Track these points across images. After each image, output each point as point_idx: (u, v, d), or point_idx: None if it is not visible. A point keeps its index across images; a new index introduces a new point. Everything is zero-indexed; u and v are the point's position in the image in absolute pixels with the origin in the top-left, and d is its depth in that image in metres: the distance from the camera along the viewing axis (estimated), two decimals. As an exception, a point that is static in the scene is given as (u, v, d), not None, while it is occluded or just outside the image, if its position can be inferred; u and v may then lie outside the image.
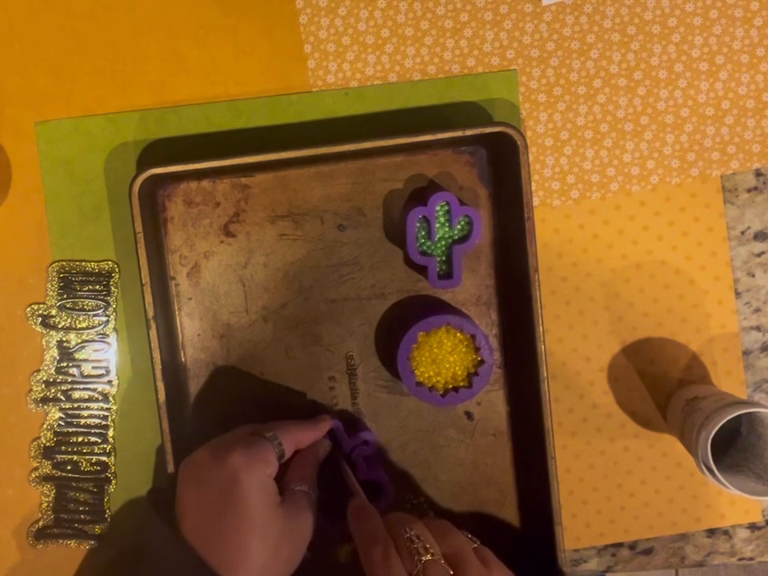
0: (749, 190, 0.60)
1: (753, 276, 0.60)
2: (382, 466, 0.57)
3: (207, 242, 0.58)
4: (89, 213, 0.59)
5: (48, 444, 0.59)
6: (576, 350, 0.60)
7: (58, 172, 0.58)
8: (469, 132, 0.53)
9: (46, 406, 0.59)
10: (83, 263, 0.59)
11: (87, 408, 0.59)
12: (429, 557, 0.44)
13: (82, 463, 0.59)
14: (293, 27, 0.58)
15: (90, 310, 0.59)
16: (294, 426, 0.52)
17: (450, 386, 0.55)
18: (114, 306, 0.59)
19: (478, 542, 0.48)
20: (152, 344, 0.54)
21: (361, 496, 0.51)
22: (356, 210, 0.58)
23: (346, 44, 0.58)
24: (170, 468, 0.54)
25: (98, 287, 0.59)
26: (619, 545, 0.61)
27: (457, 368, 0.55)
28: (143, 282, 0.53)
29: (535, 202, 0.59)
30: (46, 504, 0.59)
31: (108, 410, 0.59)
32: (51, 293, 0.58)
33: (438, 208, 0.55)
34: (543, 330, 0.54)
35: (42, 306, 0.59)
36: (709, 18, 0.58)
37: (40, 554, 0.60)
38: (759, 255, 0.60)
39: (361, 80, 0.59)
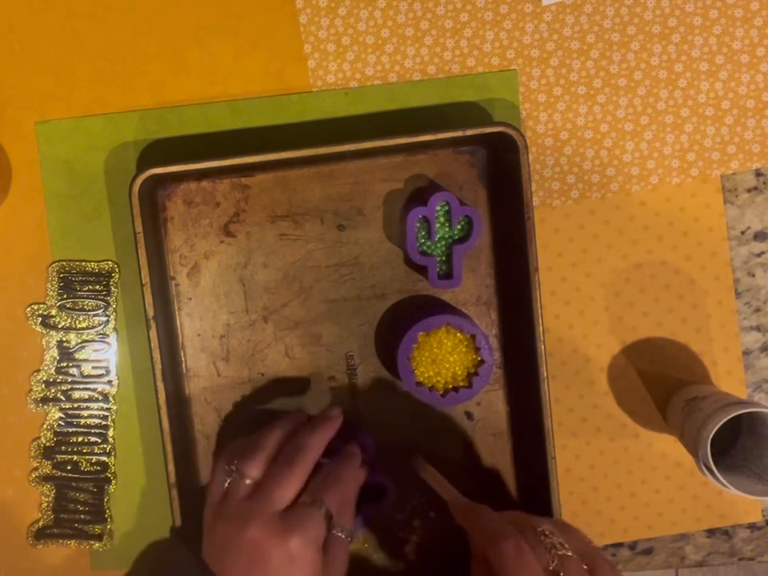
0: (749, 190, 0.60)
1: (753, 276, 0.60)
2: (382, 469, 0.57)
3: (207, 241, 0.58)
4: (89, 213, 0.59)
5: (48, 444, 0.59)
6: (576, 350, 0.60)
7: (58, 172, 0.58)
8: (469, 132, 0.53)
9: (45, 406, 0.59)
10: (83, 263, 0.59)
11: (87, 408, 0.59)
12: (564, 551, 0.44)
13: (81, 463, 0.59)
14: (293, 27, 0.58)
15: (90, 310, 0.59)
16: (336, 482, 0.50)
17: (450, 386, 0.55)
18: (114, 306, 0.59)
19: (593, 542, 0.48)
20: (152, 344, 0.54)
21: (459, 495, 0.51)
22: (356, 209, 0.58)
23: (346, 44, 0.58)
24: (171, 478, 0.54)
25: (98, 287, 0.59)
26: (619, 545, 0.61)
27: (457, 368, 0.55)
28: (143, 282, 0.53)
29: (535, 202, 0.59)
30: (46, 504, 0.59)
31: (108, 409, 0.59)
32: (51, 293, 0.58)
33: (438, 208, 0.55)
34: (543, 330, 0.54)
35: (41, 306, 0.59)
36: (709, 18, 0.58)
37: (40, 554, 0.60)
38: (759, 255, 0.60)
39: (361, 80, 0.59)
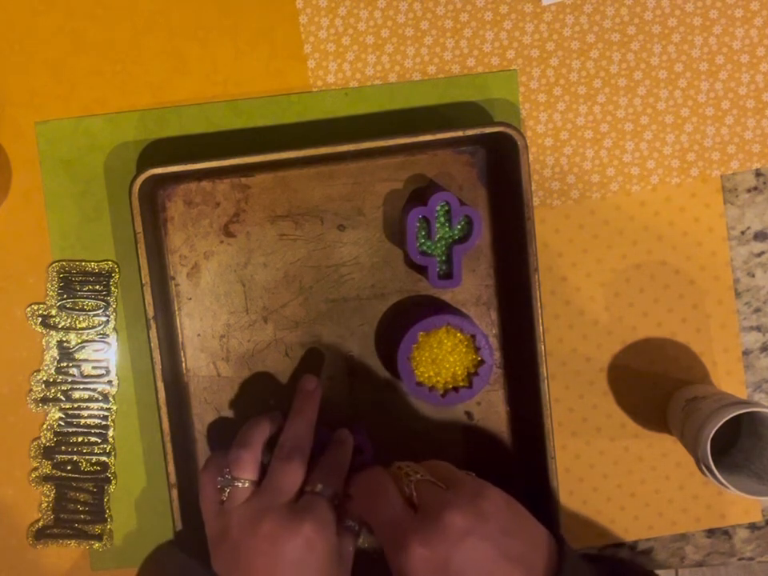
0: (749, 190, 0.60)
1: (753, 276, 0.60)
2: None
3: (207, 241, 0.58)
4: (89, 213, 0.59)
5: (48, 444, 0.59)
6: (576, 350, 0.60)
7: (58, 172, 0.58)
8: (469, 132, 0.53)
9: (45, 406, 0.59)
10: (83, 263, 0.59)
11: (87, 408, 0.59)
12: (419, 476, 0.45)
13: (81, 463, 0.59)
14: (293, 27, 0.58)
15: (90, 310, 0.59)
16: (333, 469, 0.51)
17: (450, 386, 0.55)
18: (114, 306, 0.59)
19: (473, 474, 0.48)
20: (152, 344, 0.54)
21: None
22: (356, 209, 0.58)
23: (346, 44, 0.58)
24: (171, 478, 0.54)
25: (98, 287, 0.59)
26: (619, 545, 0.61)
27: (457, 368, 0.55)
28: (143, 281, 0.53)
29: (535, 202, 0.59)
30: (46, 504, 0.59)
31: (108, 409, 0.59)
32: (51, 293, 0.58)
33: (438, 208, 0.55)
34: (543, 330, 0.54)
35: (41, 306, 0.59)
36: (709, 17, 0.58)
37: (40, 554, 0.60)
38: (759, 255, 0.60)
39: (361, 80, 0.59)
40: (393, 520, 0.44)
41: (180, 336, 0.58)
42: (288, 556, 0.46)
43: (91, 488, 0.59)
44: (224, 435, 0.58)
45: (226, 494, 0.49)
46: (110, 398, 0.59)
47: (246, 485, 0.49)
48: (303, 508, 0.48)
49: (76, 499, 0.59)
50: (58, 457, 0.59)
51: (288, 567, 0.46)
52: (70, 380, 0.59)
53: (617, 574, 0.50)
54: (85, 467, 0.59)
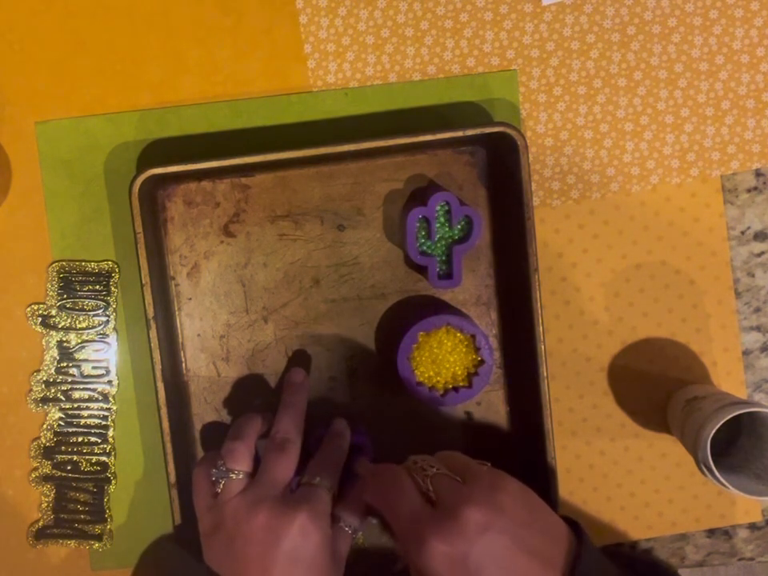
0: (749, 190, 0.60)
1: (753, 276, 0.60)
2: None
3: (207, 241, 0.58)
4: (89, 213, 0.59)
5: (48, 444, 0.59)
6: (576, 350, 0.60)
7: (58, 172, 0.58)
8: (469, 132, 0.53)
9: (45, 406, 0.59)
10: (83, 263, 0.59)
11: (87, 408, 0.59)
12: (434, 471, 0.45)
13: (81, 463, 0.59)
14: (293, 27, 0.58)
15: (90, 310, 0.59)
16: (330, 461, 0.52)
17: (450, 386, 0.55)
18: (114, 306, 0.59)
19: (488, 464, 0.48)
20: (152, 344, 0.54)
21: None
22: (356, 209, 0.58)
23: (346, 44, 0.58)
24: (171, 478, 0.54)
25: (98, 287, 0.59)
26: (619, 545, 0.61)
27: (457, 368, 0.55)
28: (143, 282, 0.53)
29: (535, 202, 0.59)
30: (46, 504, 0.59)
31: (108, 409, 0.59)
32: (51, 293, 0.58)
33: (438, 208, 0.55)
34: (543, 330, 0.54)
35: (41, 306, 0.59)
36: (709, 18, 0.58)
37: (40, 553, 0.60)
38: (759, 255, 0.60)
39: (361, 80, 0.59)
40: (411, 516, 0.44)
41: (180, 336, 0.58)
42: (283, 545, 0.46)
43: (91, 488, 0.59)
44: (224, 435, 0.58)
45: (221, 486, 0.49)
46: (110, 398, 0.59)
47: (241, 476, 0.49)
48: (299, 498, 0.48)
49: (76, 499, 0.59)
50: (58, 457, 0.59)
51: (282, 555, 0.46)
52: (69, 380, 0.59)
53: (635, 568, 0.50)
54: (85, 467, 0.59)
